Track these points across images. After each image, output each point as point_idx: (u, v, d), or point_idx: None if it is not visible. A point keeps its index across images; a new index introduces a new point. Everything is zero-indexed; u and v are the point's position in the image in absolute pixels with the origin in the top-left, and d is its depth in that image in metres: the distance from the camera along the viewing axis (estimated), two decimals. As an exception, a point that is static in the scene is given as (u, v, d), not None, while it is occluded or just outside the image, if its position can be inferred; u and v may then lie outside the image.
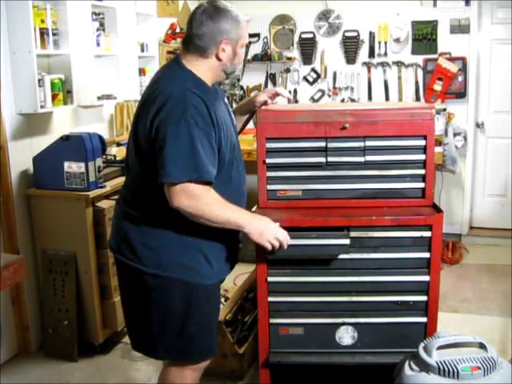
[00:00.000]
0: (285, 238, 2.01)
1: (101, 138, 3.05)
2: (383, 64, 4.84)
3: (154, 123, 1.81)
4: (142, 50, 4.01)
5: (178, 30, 4.56)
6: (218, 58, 1.92)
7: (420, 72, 4.78)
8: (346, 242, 2.19)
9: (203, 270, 1.96)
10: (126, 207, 2.00)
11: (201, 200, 1.82)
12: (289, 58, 5.02)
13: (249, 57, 5.07)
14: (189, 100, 1.80)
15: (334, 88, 4.97)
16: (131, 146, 1.96)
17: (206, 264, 1.97)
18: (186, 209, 1.81)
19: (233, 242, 2.08)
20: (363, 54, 4.89)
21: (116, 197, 2.23)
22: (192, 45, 1.92)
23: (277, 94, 2.26)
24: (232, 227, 1.92)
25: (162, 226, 1.91)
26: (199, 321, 1.99)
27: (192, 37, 1.91)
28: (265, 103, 2.25)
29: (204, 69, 1.93)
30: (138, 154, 1.91)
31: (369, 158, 2.27)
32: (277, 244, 1.99)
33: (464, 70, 4.66)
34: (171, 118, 1.78)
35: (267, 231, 1.97)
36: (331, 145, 2.26)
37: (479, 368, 1.81)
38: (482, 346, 1.90)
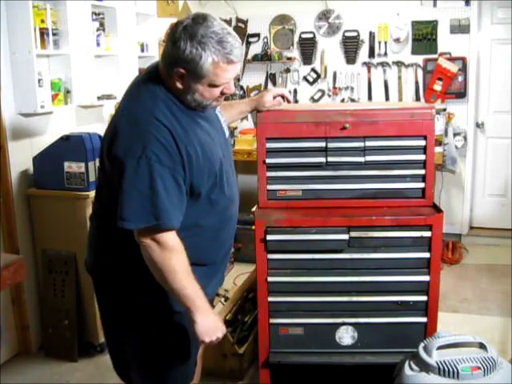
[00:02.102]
0: (219, 338, 1.77)
1: (101, 137, 3.05)
2: (383, 64, 4.84)
3: (112, 149, 1.62)
4: (142, 50, 4.01)
5: (177, 30, 4.55)
6: (175, 86, 1.65)
7: (420, 72, 4.78)
8: (345, 237, 2.19)
9: None
10: (100, 226, 1.84)
11: (167, 253, 1.62)
12: (289, 58, 5.01)
13: (249, 57, 5.07)
14: (153, 131, 1.58)
15: (334, 88, 4.97)
16: (102, 160, 1.76)
17: None
18: (150, 251, 1.63)
19: (215, 268, 1.91)
20: (363, 54, 4.89)
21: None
22: (162, 57, 1.69)
23: (282, 96, 2.22)
24: (181, 302, 1.69)
25: (137, 250, 1.69)
26: (182, 346, 1.85)
27: (163, 49, 1.68)
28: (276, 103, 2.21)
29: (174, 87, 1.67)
30: (104, 172, 1.73)
31: (369, 158, 2.27)
32: (212, 341, 1.75)
33: (464, 70, 4.66)
34: (130, 152, 1.56)
35: (213, 331, 1.73)
36: (331, 145, 2.26)
37: (479, 368, 1.81)
38: (482, 346, 1.90)
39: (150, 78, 1.70)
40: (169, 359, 1.85)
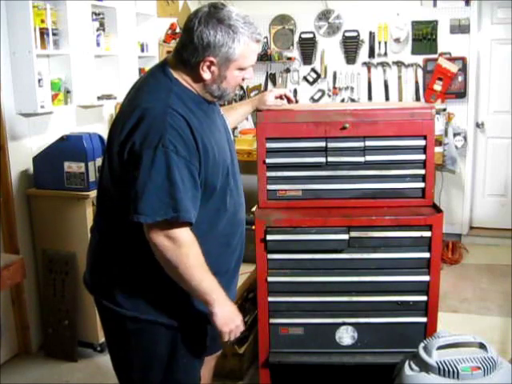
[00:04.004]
0: (241, 327, 1.72)
1: (101, 137, 3.05)
2: (383, 64, 4.84)
3: (126, 144, 1.54)
4: (142, 50, 4.01)
5: (178, 30, 4.56)
6: (201, 77, 1.62)
7: (420, 72, 4.78)
8: (345, 237, 2.19)
9: (191, 312, 1.72)
10: (102, 239, 1.76)
11: (183, 248, 1.55)
12: (289, 58, 5.02)
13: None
14: (169, 121, 1.51)
15: (334, 88, 4.97)
16: (106, 165, 1.67)
17: (194, 304, 1.70)
18: (164, 250, 1.54)
19: (228, 280, 1.83)
20: (363, 54, 4.89)
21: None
22: (177, 53, 1.64)
23: (284, 97, 2.23)
24: (199, 297, 1.63)
25: (145, 262, 1.63)
26: (186, 364, 1.78)
27: (179, 43, 1.65)
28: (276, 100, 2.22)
29: (190, 81, 1.64)
30: (113, 176, 1.64)
31: (369, 158, 2.27)
32: (233, 335, 1.70)
33: (464, 70, 4.66)
34: (147, 141, 1.50)
35: (231, 320, 1.67)
36: (331, 145, 2.26)
37: (479, 368, 1.81)
38: (482, 346, 1.90)
39: (159, 74, 1.65)
40: (176, 376, 1.79)
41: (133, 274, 1.68)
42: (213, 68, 1.60)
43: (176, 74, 1.63)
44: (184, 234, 1.55)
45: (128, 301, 1.69)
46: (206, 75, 1.61)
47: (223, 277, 1.77)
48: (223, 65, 1.59)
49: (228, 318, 1.66)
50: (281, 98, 2.23)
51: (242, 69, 1.64)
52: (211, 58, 1.57)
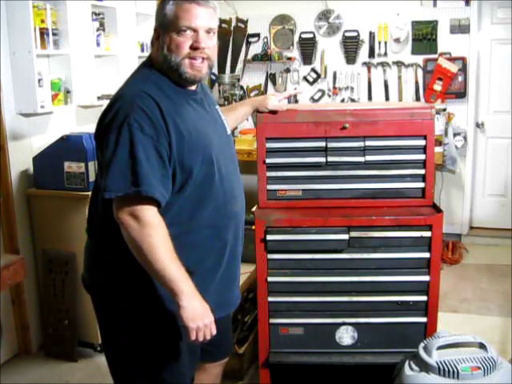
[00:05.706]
0: (212, 330, 1.62)
1: (101, 138, 3.05)
2: (383, 64, 4.84)
3: (100, 128, 1.63)
4: (142, 50, 4.01)
5: (177, 30, 4.56)
6: (156, 49, 1.70)
7: (420, 72, 4.78)
8: (345, 237, 2.19)
9: None
10: (94, 235, 1.78)
11: (147, 228, 1.53)
12: (289, 58, 5.01)
13: (249, 57, 5.07)
14: (137, 102, 1.56)
15: (334, 88, 4.97)
16: (97, 162, 1.77)
17: None
18: (128, 229, 1.53)
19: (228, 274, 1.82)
20: (363, 54, 4.89)
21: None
22: (151, 43, 1.77)
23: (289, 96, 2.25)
24: (165, 285, 1.56)
25: (137, 264, 1.60)
26: (179, 364, 1.77)
27: None
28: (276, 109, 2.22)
29: (164, 67, 1.69)
30: (100, 169, 1.70)
31: (369, 157, 2.27)
32: (202, 335, 1.60)
33: (464, 70, 4.66)
34: (114, 121, 1.55)
35: (200, 317, 1.58)
36: (331, 145, 2.26)
37: (479, 368, 1.81)
38: (482, 346, 1.90)
39: (142, 68, 1.74)
40: (166, 374, 1.79)
41: (128, 273, 1.67)
42: (158, 37, 1.67)
43: (156, 65, 1.69)
44: (149, 214, 1.54)
45: (124, 299, 1.71)
46: (156, 45, 1.68)
47: (216, 271, 1.76)
48: (163, 31, 1.65)
49: (196, 314, 1.57)
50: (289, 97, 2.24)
51: (178, 31, 1.61)
52: (156, 28, 1.68)
